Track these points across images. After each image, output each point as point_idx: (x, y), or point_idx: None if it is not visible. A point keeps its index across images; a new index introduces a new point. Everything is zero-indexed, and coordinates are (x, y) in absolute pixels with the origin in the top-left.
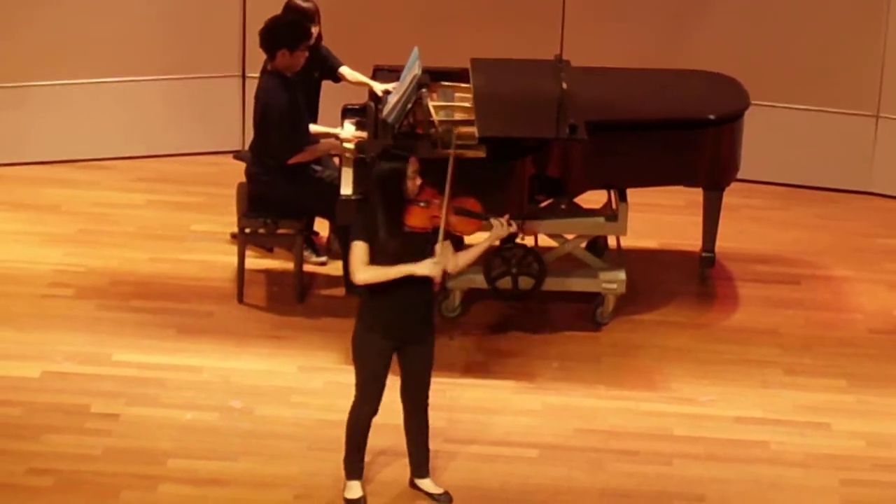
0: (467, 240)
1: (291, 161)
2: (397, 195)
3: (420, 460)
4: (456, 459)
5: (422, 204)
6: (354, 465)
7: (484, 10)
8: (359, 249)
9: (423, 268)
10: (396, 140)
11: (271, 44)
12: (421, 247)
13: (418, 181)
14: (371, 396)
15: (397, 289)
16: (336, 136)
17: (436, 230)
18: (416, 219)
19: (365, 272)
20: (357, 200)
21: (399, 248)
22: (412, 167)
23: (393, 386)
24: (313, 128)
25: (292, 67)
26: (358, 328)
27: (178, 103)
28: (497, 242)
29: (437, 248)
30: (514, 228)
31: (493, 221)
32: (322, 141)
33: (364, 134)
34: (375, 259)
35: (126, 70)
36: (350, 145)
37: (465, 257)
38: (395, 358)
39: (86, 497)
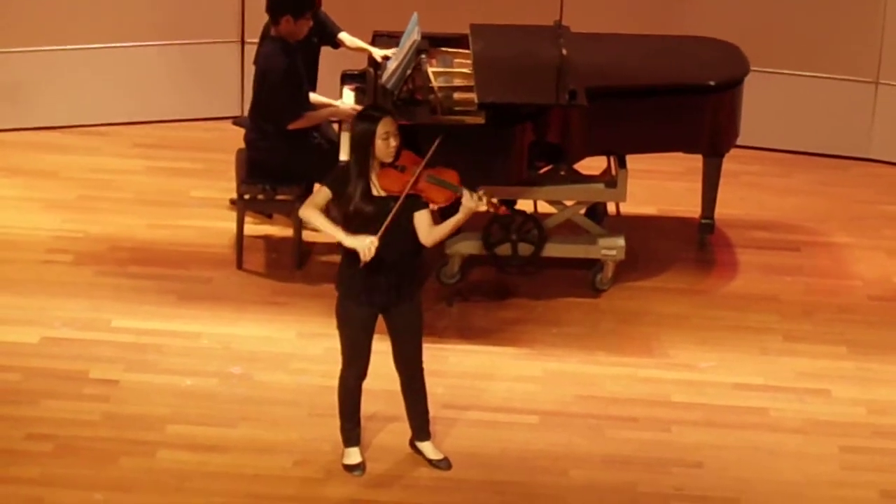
0: None
1: (291, 127)
2: (366, 155)
3: (420, 423)
4: (455, 426)
5: (398, 168)
6: (350, 432)
7: None
8: (319, 193)
9: (352, 240)
10: (395, 105)
11: (276, 9)
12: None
13: (394, 142)
14: (356, 362)
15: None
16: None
17: (408, 196)
18: (388, 182)
19: (308, 211)
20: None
21: (373, 213)
22: (384, 128)
23: (386, 351)
24: (312, 97)
25: (295, 34)
26: (338, 296)
27: (176, 69)
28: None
29: (394, 209)
30: (483, 205)
31: (465, 193)
32: (321, 108)
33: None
34: (351, 220)
35: (125, 35)
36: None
37: (439, 231)
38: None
39: (84, 462)
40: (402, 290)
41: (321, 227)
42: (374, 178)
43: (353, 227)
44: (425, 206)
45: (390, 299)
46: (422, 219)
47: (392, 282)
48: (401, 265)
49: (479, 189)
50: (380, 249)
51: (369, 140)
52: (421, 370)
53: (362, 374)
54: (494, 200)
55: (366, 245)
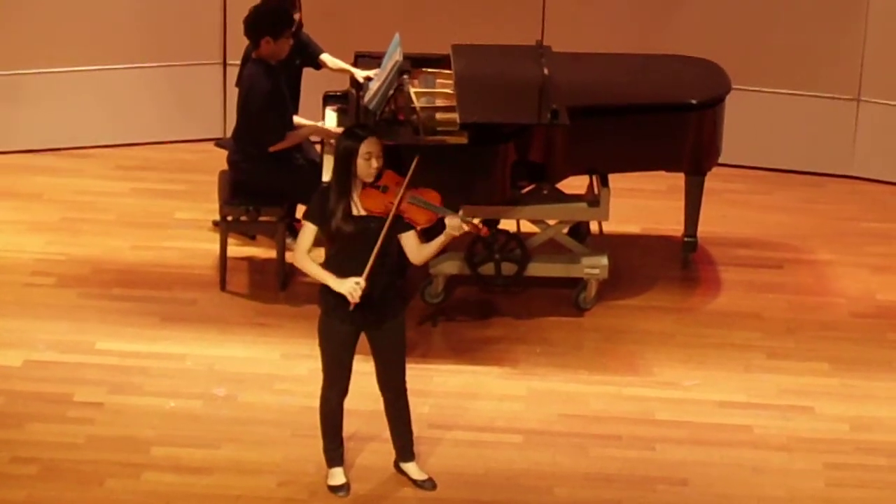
0: None
1: (274, 148)
2: (347, 174)
3: (404, 444)
4: (440, 445)
5: (381, 188)
6: (333, 452)
7: None
8: (305, 231)
9: (341, 285)
10: (377, 125)
11: (255, 32)
12: (376, 234)
13: (375, 163)
14: (337, 381)
15: (349, 274)
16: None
17: (394, 216)
18: (370, 202)
19: (300, 257)
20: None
21: (355, 234)
22: (367, 147)
23: (369, 371)
24: (295, 120)
25: (277, 55)
26: (320, 313)
27: (159, 91)
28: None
29: (383, 233)
30: (466, 228)
31: (449, 216)
32: (303, 126)
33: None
34: (333, 241)
35: (108, 58)
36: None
37: (428, 249)
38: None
39: (70, 485)
40: (385, 309)
41: (312, 274)
42: (355, 197)
43: (336, 245)
44: (410, 226)
45: (373, 317)
46: (409, 239)
47: (375, 300)
48: (383, 284)
49: (459, 210)
50: (358, 269)
51: (351, 158)
52: (405, 390)
53: (343, 393)
54: (476, 222)
55: (351, 289)
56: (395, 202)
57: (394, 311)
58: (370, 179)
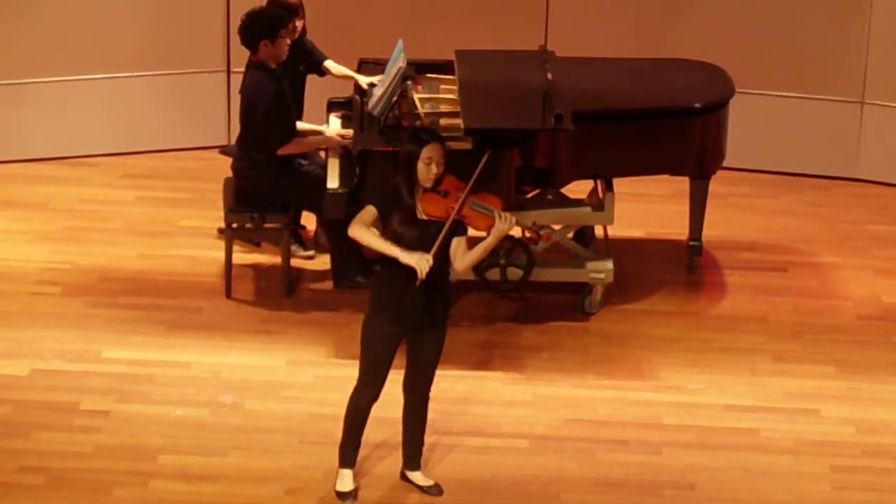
0: None
1: (282, 152)
2: (409, 176)
3: (413, 453)
4: (447, 451)
5: (441, 193)
6: (349, 452)
7: (468, 1)
8: (366, 211)
9: (408, 257)
10: (381, 132)
11: (251, 37)
12: (435, 239)
13: (436, 169)
14: (373, 381)
15: (404, 275)
16: (322, 134)
17: (454, 220)
18: (431, 206)
19: (358, 230)
20: (344, 194)
21: (416, 236)
22: (428, 153)
23: (395, 378)
24: (299, 125)
25: (277, 57)
26: (367, 311)
27: (164, 99)
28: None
29: (442, 235)
30: (511, 223)
31: (497, 215)
32: (311, 136)
33: (349, 132)
34: (395, 242)
35: (112, 66)
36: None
37: (472, 255)
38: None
39: (78, 494)
40: (434, 315)
41: (372, 244)
42: (417, 201)
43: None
44: (465, 232)
45: (422, 322)
46: (459, 244)
47: (425, 305)
48: (434, 289)
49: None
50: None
51: (412, 162)
52: (428, 398)
53: (376, 396)
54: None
55: (421, 260)
56: (456, 207)
57: (442, 318)
58: (428, 184)
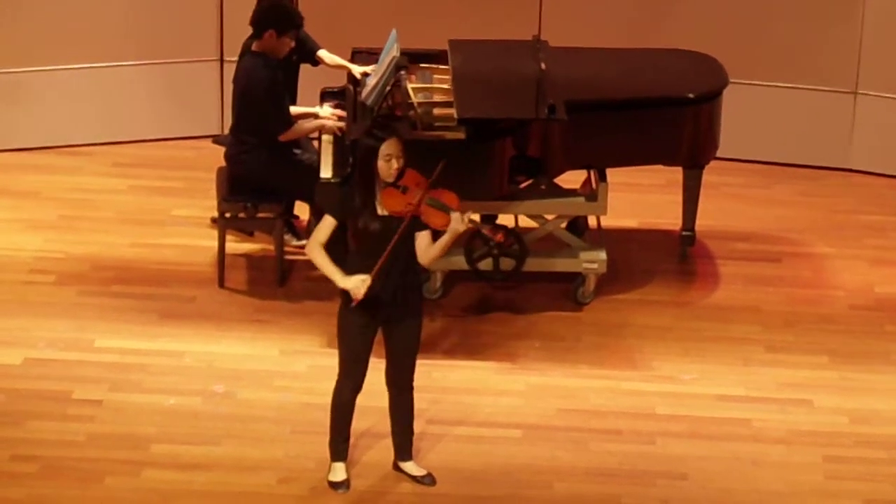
0: None
1: (282, 138)
2: (368, 174)
3: (404, 443)
4: (439, 441)
5: (401, 189)
6: (339, 446)
7: None
8: (323, 224)
9: (346, 281)
10: (375, 122)
11: (262, 22)
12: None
13: (396, 164)
14: (353, 373)
15: (370, 271)
16: (315, 115)
17: (411, 217)
18: (391, 202)
19: (314, 251)
20: (336, 183)
21: (380, 232)
22: (388, 149)
23: (379, 368)
24: (292, 109)
25: (276, 51)
26: (340, 304)
27: (156, 88)
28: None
29: (398, 233)
30: (466, 224)
31: (453, 215)
32: (308, 120)
33: (343, 112)
34: (359, 239)
35: (105, 56)
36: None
37: (433, 251)
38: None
39: (70, 483)
40: (406, 304)
41: (322, 268)
42: (378, 196)
43: (359, 243)
44: (425, 226)
45: (394, 313)
46: (422, 238)
47: (396, 296)
48: (398, 283)
49: (467, 211)
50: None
51: (371, 158)
52: (411, 387)
53: (358, 387)
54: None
55: (356, 285)
56: (414, 203)
57: (415, 309)
58: (390, 179)
